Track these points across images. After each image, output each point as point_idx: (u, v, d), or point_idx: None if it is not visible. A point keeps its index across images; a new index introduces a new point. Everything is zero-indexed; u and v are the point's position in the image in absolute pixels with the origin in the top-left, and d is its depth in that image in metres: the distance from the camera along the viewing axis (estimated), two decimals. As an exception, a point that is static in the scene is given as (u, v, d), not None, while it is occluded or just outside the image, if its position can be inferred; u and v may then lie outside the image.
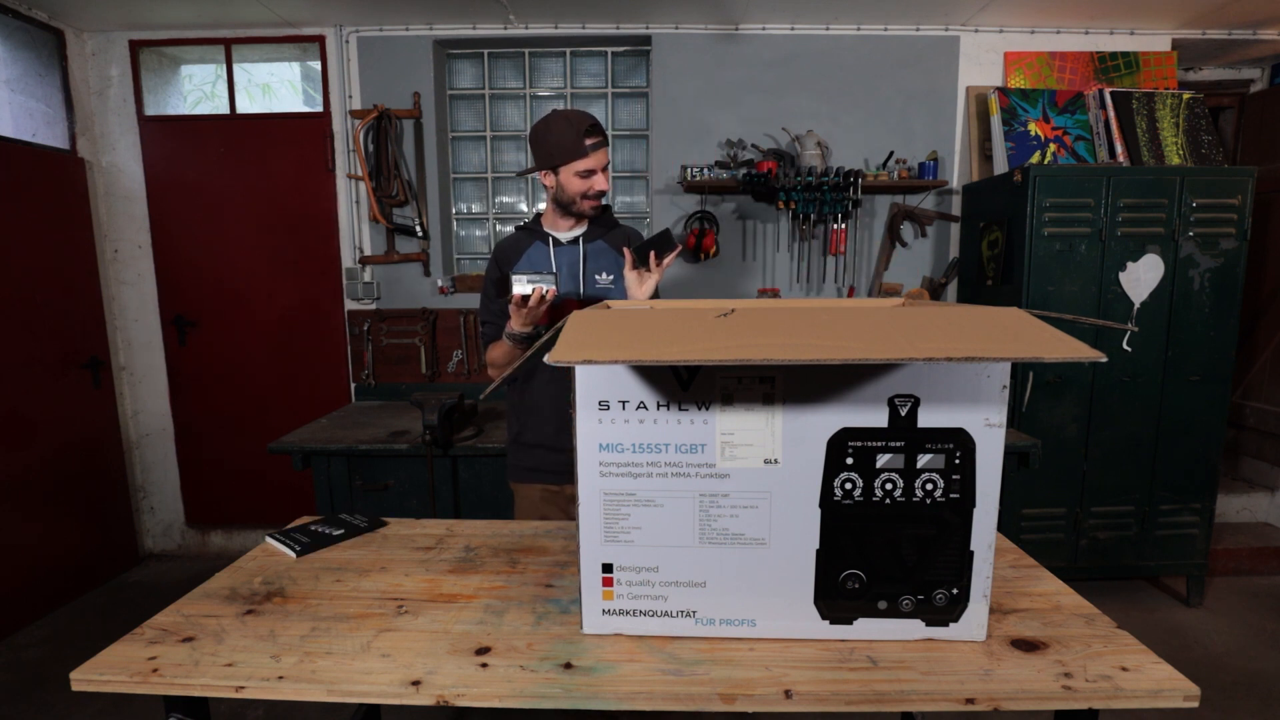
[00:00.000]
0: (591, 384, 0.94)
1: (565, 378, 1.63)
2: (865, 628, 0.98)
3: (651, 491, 0.96)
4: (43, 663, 2.42)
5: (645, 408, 0.94)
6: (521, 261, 1.72)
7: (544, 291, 1.45)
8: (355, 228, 3.13)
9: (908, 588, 0.96)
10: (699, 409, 0.94)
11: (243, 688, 0.89)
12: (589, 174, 1.62)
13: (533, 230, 1.75)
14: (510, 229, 3.35)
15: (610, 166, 1.70)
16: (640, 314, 0.95)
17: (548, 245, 1.71)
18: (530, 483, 1.75)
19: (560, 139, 1.60)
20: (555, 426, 1.69)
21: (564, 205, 1.67)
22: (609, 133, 3.22)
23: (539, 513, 1.75)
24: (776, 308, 1.00)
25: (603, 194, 1.66)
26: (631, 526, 0.98)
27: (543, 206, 1.82)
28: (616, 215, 1.82)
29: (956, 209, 3.10)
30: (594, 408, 0.94)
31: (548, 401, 1.69)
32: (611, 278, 1.69)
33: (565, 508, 1.75)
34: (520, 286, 1.45)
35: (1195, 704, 0.85)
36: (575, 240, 1.71)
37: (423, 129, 3.07)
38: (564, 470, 1.69)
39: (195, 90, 3.54)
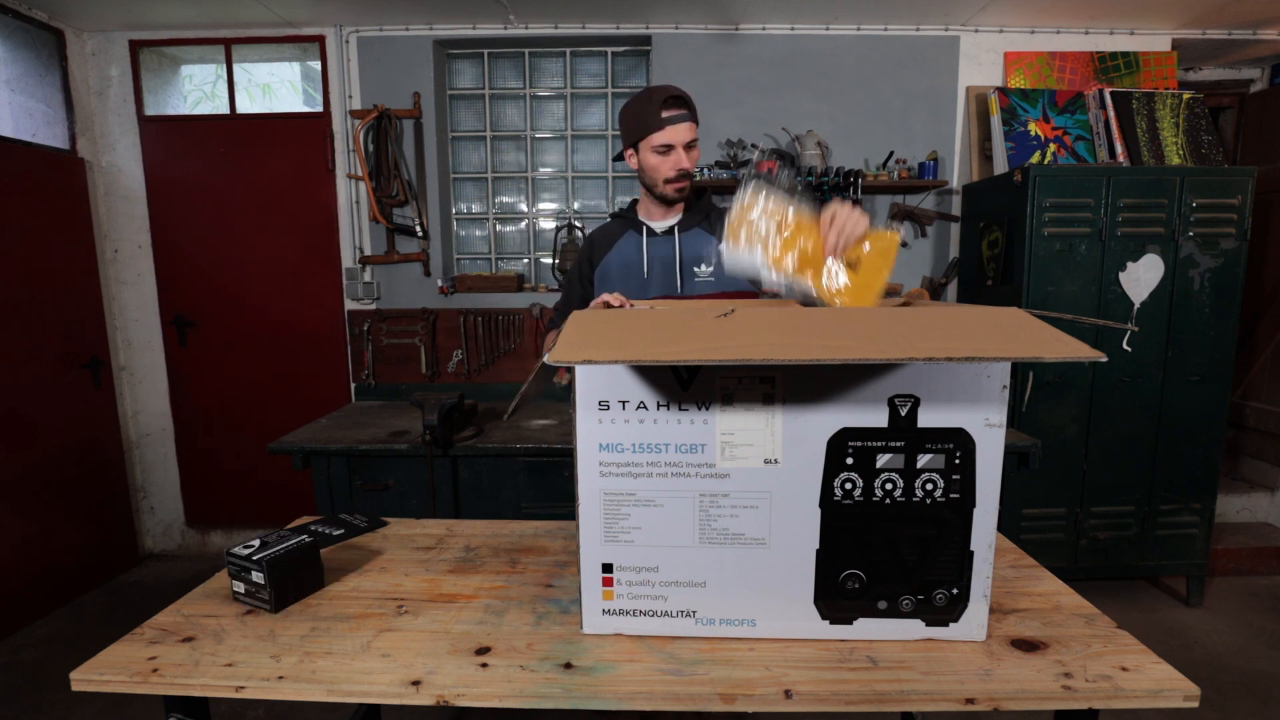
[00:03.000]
0: (591, 384, 0.94)
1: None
2: (865, 628, 0.98)
3: (651, 491, 0.96)
4: (43, 663, 2.42)
5: (645, 408, 0.94)
6: (612, 254, 1.58)
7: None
8: (355, 228, 3.13)
9: (908, 588, 0.96)
10: (699, 409, 0.94)
11: (243, 688, 0.89)
12: (667, 149, 1.46)
13: (627, 218, 1.61)
14: (513, 227, 3.36)
15: (697, 144, 1.50)
16: (640, 314, 0.95)
17: (641, 236, 1.56)
18: None
19: (639, 112, 1.47)
20: None
21: (650, 189, 1.54)
22: (608, 132, 3.23)
23: None
24: (776, 308, 1.00)
25: (687, 174, 1.49)
26: (631, 526, 0.98)
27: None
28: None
29: (956, 209, 3.10)
30: (594, 408, 0.94)
31: None
32: (712, 270, 1.52)
33: None
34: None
35: (1195, 704, 0.85)
36: (670, 230, 1.55)
37: (423, 129, 3.07)
38: None
39: (195, 90, 3.54)
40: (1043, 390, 2.64)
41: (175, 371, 3.26)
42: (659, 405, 0.94)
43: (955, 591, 0.96)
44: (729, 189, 2.92)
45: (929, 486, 0.93)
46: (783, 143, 3.04)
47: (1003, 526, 1.81)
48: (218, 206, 3.14)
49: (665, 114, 1.44)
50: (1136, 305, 2.59)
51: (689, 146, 1.48)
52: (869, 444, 0.93)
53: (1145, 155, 2.76)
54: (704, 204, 1.61)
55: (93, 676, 0.91)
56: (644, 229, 1.57)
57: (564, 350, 0.80)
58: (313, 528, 1.44)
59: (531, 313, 3.10)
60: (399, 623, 1.05)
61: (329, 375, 3.25)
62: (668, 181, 1.49)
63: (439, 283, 3.14)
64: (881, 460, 0.93)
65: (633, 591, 1.00)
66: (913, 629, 0.98)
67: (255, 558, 1.09)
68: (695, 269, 1.53)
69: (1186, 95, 2.84)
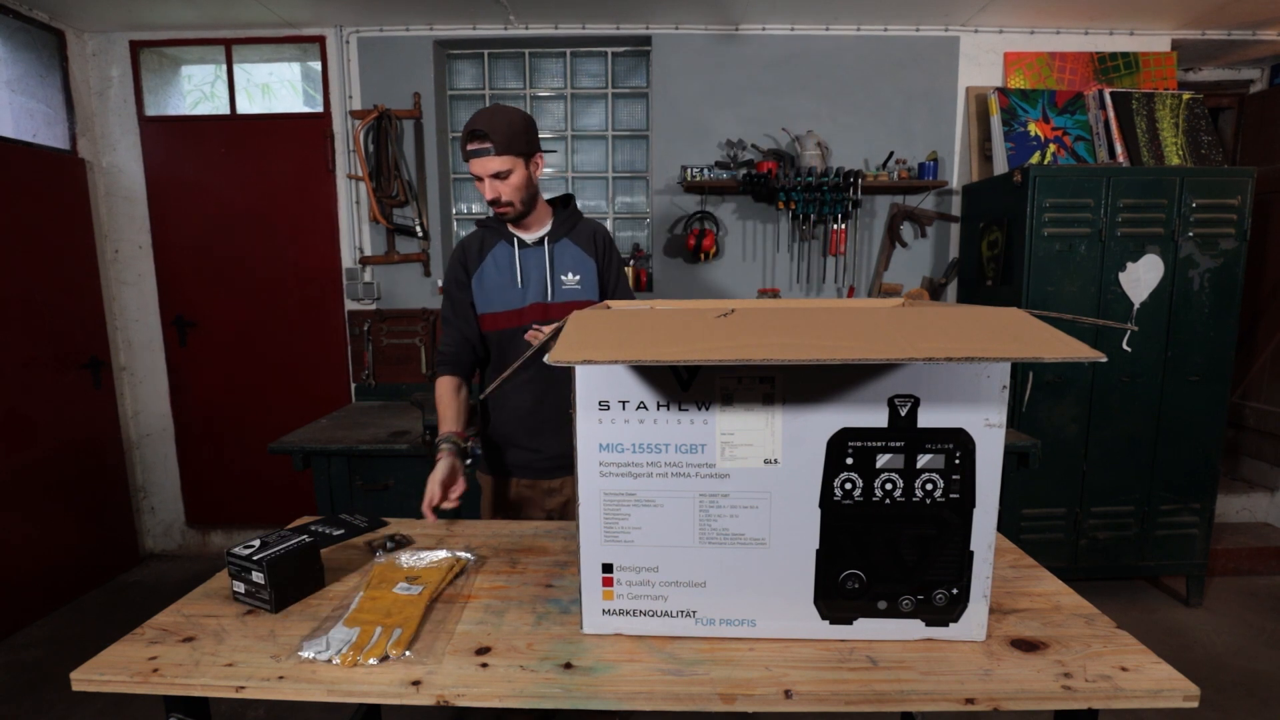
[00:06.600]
0: (591, 384, 0.94)
1: (560, 377, 1.63)
2: (865, 628, 0.98)
3: (651, 491, 0.96)
4: (43, 663, 2.42)
5: (645, 408, 0.94)
6: (486, 262, 1.63)
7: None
8: (355, 228, 3.13)
9: (907, 588, 0.96)
10: (699, 409, 0.94)
11: (243, 688, 0.89)
12: (479, 180, 1.53)
13: (494, 228, 1.66)
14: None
15: (511, 174, 1.52)
16: (640, 314, 0.95)
17: (513, 247, 1.63)
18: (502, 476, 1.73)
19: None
20: (527, 426, 1.67)
21: None
22: (608, 133, 3.23)
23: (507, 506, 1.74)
24: (776, 308, 1.00)
25: (497, 201, 1.54)
26: (631, 526, 0.98)
27: None
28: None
29: (956, 209, 3.10)
30: (594, 408, 0.95)
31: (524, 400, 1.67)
32: (578, 278, 1.64)
33: (541, 503, 1.73)
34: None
35: (1195, 704, 0.85)
36: (540, 241, 1.63)
37: (423, 129, 3.07)
38: (540, 467, 1.69)
39: (195, 90, 3.54)
40: (1043, 390, 2.64)
41: (175, 372, 3.26)
42: (659, 405, 0.94)
43: (955, 591, 0.96)
44: (729, 189, 2.92)
45: (929, 486, 0.93)
46: (783, 143, 3.04)
47: (1003, 526, 1.81)
48: (218, 206, 3.14)
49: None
50: (1136, 305, 2.59)
51: (499, 176, 1.51)
52: (869, 444, 0.93)
53: (1145, 156, 2.76)
54: (570, 213, 1.70)
55: (93, 676, 0.91)
56: (515, 240, 1.64)
57: (564, 350, 0.80)
58: (313, 528, 1.44)
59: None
60: (399, 623, 1.05)
61: (329, 375, 3.25)
62: (491, 205, 1.56)
63: (439, 283, 3.14)
64: (881, 460, 0.93)
65: (633, 591, 1.00)
66: (912, 629, 0.98)
67: (255, 558, 1.09)
68: (563, 278, 1.63)
69: (1186, 96, 2.84)
